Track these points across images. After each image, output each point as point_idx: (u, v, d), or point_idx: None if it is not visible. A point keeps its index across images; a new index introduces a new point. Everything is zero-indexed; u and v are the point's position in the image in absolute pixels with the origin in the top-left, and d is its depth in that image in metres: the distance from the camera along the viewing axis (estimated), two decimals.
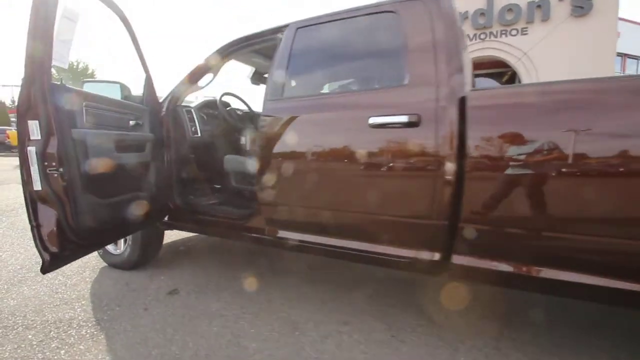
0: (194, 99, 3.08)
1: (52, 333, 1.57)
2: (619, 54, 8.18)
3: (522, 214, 1.18)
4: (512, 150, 1.17)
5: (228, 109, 2.75)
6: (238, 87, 2.95)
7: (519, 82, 8.14)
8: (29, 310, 1.76)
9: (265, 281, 2.14)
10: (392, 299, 1.90)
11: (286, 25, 1.80)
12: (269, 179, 1.70)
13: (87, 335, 1.56)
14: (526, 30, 7.93)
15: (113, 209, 1.70)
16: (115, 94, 2.09)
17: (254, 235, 1.87)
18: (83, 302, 1.86)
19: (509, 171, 1.18)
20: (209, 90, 2.36)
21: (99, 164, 1.57)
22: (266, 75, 2.75)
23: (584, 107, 1.12)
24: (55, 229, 1.40)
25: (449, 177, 1.26)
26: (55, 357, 1.41)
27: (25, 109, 1.38)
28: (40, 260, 1.48)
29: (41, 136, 1.35)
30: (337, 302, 1.89)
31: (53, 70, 1.49)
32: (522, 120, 1.18)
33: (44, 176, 1.37)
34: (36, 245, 1.43)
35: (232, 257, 2.63)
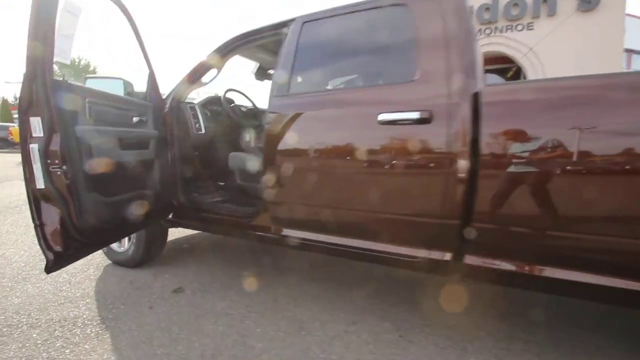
0: (195, 96, 3.06)
1: (56, 332, 1.56)
2: (625, 50, 8.06)
3: (539, 213, 1.15)
4: (528, 148, 1.14)
5: (232, 105, 2.72)
6: (242, 83, 2.92)
7: (524, 78, 8.04)
8: (34, 308, 1.75)
9: (270, 279, 2.12)
10: (397, 298, 1.88)
11: (292, 20, 1.76)
12: (276, 176, 1.67)
13: (92, 334, 1.55)
14: (532, 26, 7.82)
15: (117, 207, 1.68)
16: (118, 90, 2.07)
17: (259, 233, 1.85)
18: (88, 301, 1.84)
19: (524, 169, 1.15)
20: (212, 86, 2.34)
21: (102, 162, 1.55)
22: (270, 71, 2.72)
23: (608, 103, 1.08)
24: (59, 227, 1.38)
25: (461, 176, 1.22)
26: (60, 357, 1.40)
27: (27, 106, 1.35)
28: (44, 259, 1.46)
29: (44, 133, 1.33)
30: (342, 301, 1.87)
31: (55, 66, 1.46)
32: (539, 117, 1.14)
33: (47, 174, 1.35)
34: (40, 245, 1.41)
35: (236, 255, 2.62)
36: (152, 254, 2.28)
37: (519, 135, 1.16)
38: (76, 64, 27.90)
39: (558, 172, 1.11)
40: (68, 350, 1.44)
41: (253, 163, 2.11)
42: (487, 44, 8.21)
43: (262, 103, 2.94)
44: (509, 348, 1.46)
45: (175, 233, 2.90)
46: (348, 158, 1.47)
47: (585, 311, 1.75)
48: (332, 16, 1.64)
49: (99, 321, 1.65)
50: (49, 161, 1.35)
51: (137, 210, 1.76)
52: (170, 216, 2.17)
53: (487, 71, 8.79)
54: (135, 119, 1.86)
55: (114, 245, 2.26)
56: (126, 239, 2.22)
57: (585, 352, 1.43)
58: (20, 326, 1.59)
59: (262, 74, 2.71)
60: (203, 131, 2.35)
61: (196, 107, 2.40)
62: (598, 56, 7.00)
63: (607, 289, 1.08)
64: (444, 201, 1.28)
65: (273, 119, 1.67)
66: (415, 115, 1.29)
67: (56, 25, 1.35)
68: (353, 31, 1.63)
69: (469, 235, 1.26)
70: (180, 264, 2.38)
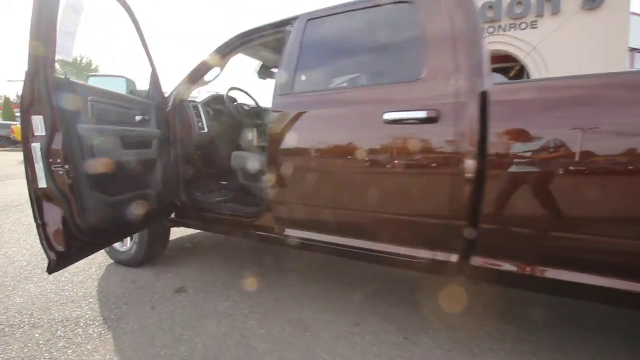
0: (196, 94, 3.04)
1: (59, 332, 1.55)
2: (629, 49, 8.00)
3: (548, 214, 1.13)
4: (537, 148, 1.11)
5: (235, 104, 2.70)
6: (244, 81, 2.90)
7: (527, 77, 7.99)
8: (36, 308, 1.74)
9: (272, 279, 2.11)
10: (398, 298, 1.86)
11: (295, 17, 1.74)
12: (279, 176, 1.65)
13: (95, 335, 1.54)
14: (535, 24, 7.77)
15: (120, 206, 1.67)
16: (121, 88, 2.05)
17: (262, 233, 1.83)
18: (90, 300, 1.84)
19: (533, 170, 1.13)
20: (214, 85, 2.32)
21: (105, 161, 1.53)
22: (273, 70, 2.70)
23: (622, 102, 1.05)
24: (61, 227, 1.37)
25: (468, 176, 1.20)
26: (63, 357, 1.39)
27: (28, 104, 1.34)
28: (46, 258, 1.45)
29: (46, 132, 1.31)
30: (344, 301, 1.85)
31: (56, 64, 1.45)
32: (549, 116, 1.12)
33: (49, 173, 1.33)
34: (42, 245, 1.39)
35: (238, 254, 2.61)
36: (154, 253, 2.27)
37: (528, 135, 1.13)
38: (78, 62, 27.91)
39: (568, 172, 1.09)
40: (70, 351, 1.43)
41: (256, 162, 2.10)
42: (490, 42, 8.15)
43: (265, 102, 2.94)
44: (515, 349, 1.44)
45: (177, 232, 2.89)
46: (352, 157, 1.45)
47: (586, 312, 1.73)
48: (336, 13, 1.62)
49: (101, 321, 1.64)
50: (50, 160, 1.33)
51: (139, 209, 1.75)
52: (172, 215, 2.16)
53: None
54: (137, 118, 1.85)
55: (116, 245, 2.25)
56: (128, 238, 2.21)
57: (588, 352, 1.42)
58: (22, 326, 1.59)
59: (264, 72, 2.69)
60: (205, 130, 2.34)
61: (199, 105, 2.38)
62: (602, 55, 6.96)
63: (625, 293, 1.06)
64: (451, 202, 1.26)
65: (277, 117, 1.66)
66: (421, 114, 1.27)
67: (58, 22, 1.34)
68: (358, 29, 1.61)
69: (475, 236, 1.24)
70: (183, 263, 2.37)
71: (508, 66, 8.95)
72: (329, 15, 1.63)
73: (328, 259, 2.08)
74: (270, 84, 2.73)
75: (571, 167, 1.08)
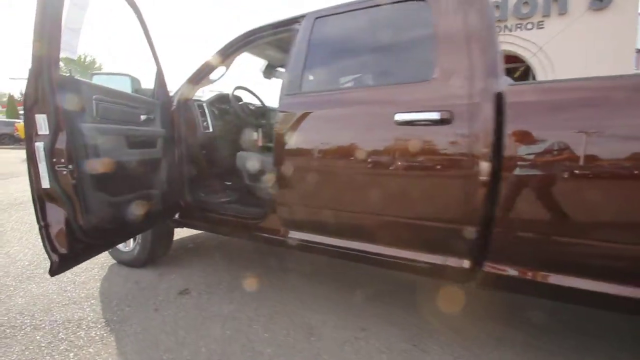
0: (200, 94, 3.00)
1: (60, 334, 1.52)
2: (637, 50, 7.91)
3: (567, 220, 1.09)
4: (555, 151, 1.08)
5: (240, 103, 2.67)
6: (250, 80, 2.87)
7: (533, 78, 7.93)
8: (37, 309, 1.72)
9: (276, 281, 2.08)
10: (405, 302, 1.83)
11: (303, 16, 1.70)
12: (286, 178, 1.62)
13: (97, 338, 1.51)
14: (542, 24, 7.70)
15: (124, 207, 1.64)
16: (125, 87, 2.02)
17: (268, 235, 1.80)
18: (92, 302, 1.81)
19: (550, 174, 1.09)
20: (218, 84, 2.29)
21: (109, 161, 1.50)
22: (279, 69, 2.66)
23: None
24: (64, 229, 1.34)
25: (483, 180, 1.16)
26: None
27: (32, 102, 1.31)
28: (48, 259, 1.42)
29: (49, 131, 1.28)
30: (350, 304, 1.82)
31: (60, 62, 1.42)
32: (569, 119, 1.08)
33: (53, 173, 1.30)
34: (44, 246, 1.36)
35: (242, 255, 2.57)
36: (157, 254, 2.25)
37: (546, 138, 1.09)
38: (82, 60, 27.99)
39: (585, 176, 1.06)
40: (72, 354, 1.40)
41: (262, 163, 2.07)
42: None
43: (270, 101, 2.91)
44: (528, 358, 1.40)
45: (180, 232, 2.87)
46: (362, 159, 1.41)
47: (586, 317, 1.70)
48: (345, 12, 1.58)
49: (103, 323, 1.62)
50: (54, 160, 1.30)
51: (144, 210, 1.72)
52: (176, 216, 2.14)
53: None
54: (142, 117, 1.82)
55: (119, 245, 2.22)
56: (131, 238, 2.18)
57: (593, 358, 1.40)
58: (23, 327, 1.56)
59: (270, 71, 2.66)
60: (210, 130, 2.31)
61: (204, 105, 2.35)
62: (610, 56, 6.88)
63: None
64: (464, 206, 1.22)
65: (284, 118, 1.62)
66: (434, 115, 1.23)
67: (63, 19, 1.31)
68: (367, 27, 1.57)
69: (489, 241, 1.20)
70: (186, 264, 2.34)
71: (513, 67, 8.88)
72: (338, 13, 1.59)
73: (332, 261, 2.05)
74: (275, 83, 2.71)
75: (589, 171, 1.05)
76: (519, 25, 7.97)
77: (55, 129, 1.30)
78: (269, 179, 1.79)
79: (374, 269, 1.61)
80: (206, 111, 2.33)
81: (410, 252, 1.37)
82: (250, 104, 2.79)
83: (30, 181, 1.36)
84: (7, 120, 18.56)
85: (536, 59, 7.79)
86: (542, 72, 7.70)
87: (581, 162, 1.05)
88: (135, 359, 1.38)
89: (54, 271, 1.38)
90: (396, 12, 1.47)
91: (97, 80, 2.07)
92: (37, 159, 1.30)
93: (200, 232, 2.92)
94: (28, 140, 1.33)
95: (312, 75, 1.65)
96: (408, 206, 1.36)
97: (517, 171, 1.13)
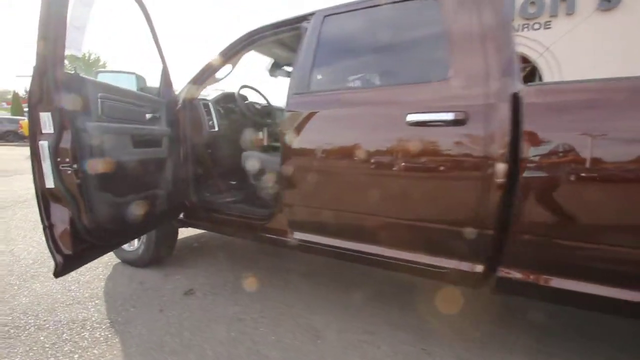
0: (206, 92, 2.98)
1: (65, 335, 1.51)
2: None
3: (587, 224, 1.06)
4: (575, 153, 1.04)
5: (246, 102, 2.65)
6: (255, 79, 2.85)
7: (540, 78, 7.85)
8: (41, 309, 1.70)
9: (282, 282, 2.06)
10: (412, 305, 1.80)
11: (312, 13, 1.67)
12: (293, 178, 1.60)
13: (101, 339, 1.49)
14: (549, 24, 7.62)
15: (129, 207, 1.61)
16: (131, 85, 2.00)
17: (274, 236, 1.77)
18: (97, 302, 1.79)
19: (569, 177, 1.05)
20: (222, 83, 2.26)
21: (114, 160, 1.48)
22: (285, 68, 2.63)
23: None
24: (68, 229, 1.32)
25: (499, 182, 1.13)
26: None
27: (36, 100, 1.28)
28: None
29: (54, 130, 1.26)
30: (356, 307, 1.80)
31: (65, 60, 1.39)
32: (590, 120, 1.04)
33: (57, 173, 1.28)
34: (49, 247, 1.34)
35: (247, 255, 2.55)
36: (162, 253, 2.23)
37: (564, 140, 1.06)
38: (86, 58, 28.08)
39: (605, 179, 1.02)
40: (77, 356, 1.38)
41: (268, 163, 2.04)
42: None
43: (276, 100, 2.88)
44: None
45: (184, 231, 2.85)
46: (370, 161, 1.38)
47: (588, 320, 1.68)
48: (355, 9, 1.55)
49: (108, 324, 1.60)
50: (59, 159, 1.28)
51: (149, 210, 1.70)
52: (181, 216, 2.11)
53: None
54: (148, 116, 1.80)
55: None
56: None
57: None
58: (28, 328, 1.54)
59: (276, 70, 2.62)
60: (216, 129, 2.28)
61: (209, 103, 2.33)
62: (618, 57, 6.80)
63: None
64: (478, 209, 1.19)
65: (291, 117, 1.59)
66: (449, 116, 1.20)
67: (68, 16, 1.28)
68: (378, 25, 1.54)
69: (504, 246, 1.17)
70: (191, 264, 2.32)
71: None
72: (348, 11, 1.56)
73: (337, 264, 2.03)
74: (281, 82, 2.69)
75: (606, 175, 1.02)
76: (525, 26, 7.90)
77: (59, 128, 1.28)
78: (275, 179, 1.77)
79: (372, 269, 1.61)
80: (212, 110, 2.30)
81: (423, 256, 1.34)
82: (256, 103, 2.76)
83: (35, 180, 1.34)
84: (11, 117, 18.66)
85: (543, 59, 7.72)
86: (549, 73, 7.63)
87: (601, 165, 1.02)
88: None
89: (58, 272, 1.36)
90: (408, 10, 1.43)
91: (102, 78, 2.05)
92: (42, 158, 1.28)
93: (204, 231, 2.90)
94: (32, 139, 1.31)
95: (321, 74, 1.61)
96: (420, 209, 1.33)
97: (535, 174, 1.09)
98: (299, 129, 1.56)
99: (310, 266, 2.29)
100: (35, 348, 1.41)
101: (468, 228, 1.22)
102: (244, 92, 2.61)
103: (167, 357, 1.39)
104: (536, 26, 7.78)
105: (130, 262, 2.24)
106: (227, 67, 2.08)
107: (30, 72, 1.29)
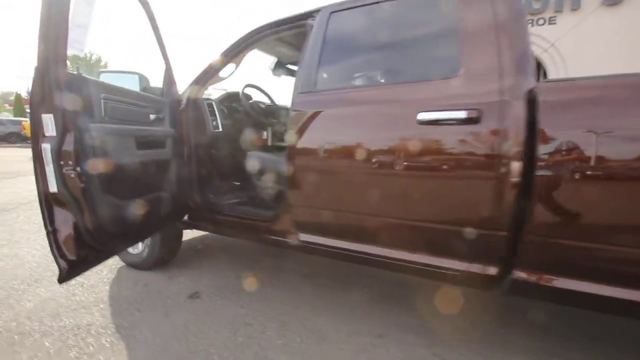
0: (210, 91, 2.95)
1: (70, 341, 1.48)
2: None
3: (606, 226, 1.02)
4: (593, 152, 1.00)
5: (250, 102, 2.61)
6: (259, 78, 2.81)
7: (544, 74, 7.78)
8: (46, 314, 1.68)
9: (287, 284, 2.04)
10: (422, 306, 1.76)
11: (317, 10, 1.64)
12: (300, 179, 1.56)
13: (107, 344, 1.47)
14: (554, 20, 7.55)
15: (133, 210, 1.58)
16: (134, 86, 1.97)
17: (279, 238, 1.74)
18: (102, 306, 1.77)
19: (588, 176, 1.02)
20: (225, 83, 2.23)
21: (119, 163, 1.45)
22: (289, 66, 2.60)
23: None
24: (72, 234, 1.29)
25: (514, 182, 1.09)
26: None
27: (38, 101, 1.25)
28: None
29: (56, 132, 1.23)
30: (365, 309, 1.77)
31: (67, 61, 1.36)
32: (610, 118, 1.00)
33: (60, 176, 1.25)
34: (52, 252, 1.31)
35: (251, 257, 2.53)
36: (166, 256, 2.20)
37: (583, 138, 1.02)
38: (88, 58, 28.10)
39: (628, 178, 0.99)
40: None
41: (273, 163, 2.01)
42: None
43: (280, 99, 2.84)
44: None
45: (188, 233, 2.82)
46: (381, 161, 1.35)
47: (590, 321, 1.66)
48: (362, 5, 1.51)
49: (113, 329, 1.57)
50: (62, 162, 1.25)
51: (153, 213, 1.67)
52: (185, 218, 2.09)
53: None
54: (151, 117, 1.77)
55: None
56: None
57: None
58: (32, 334, 1.52)
59: (280, 69, 2.59)
60: (220, 129, 2.25)
61: (213, 103, 2.29)
62: (624, 52, 6.72)
63: None
64: (491, 210, 1.15)
65: (297, 117, 1.56)
66: (461, 114, 1.16)
67: (70, 14, 1.25)
68: (386, 21, 1.50)
69: (520, 247, 1.13)
70: (195, 266, 2.30)
71: None
72: (355, 7, 1.52)
73: (343, 265, 2.00)
74: (285, 81, 2.65)
75: (624, 173, 0.99)
76: (530, 21, 7.81)
77: (62, 130, 1.24)
78: (280, 180, 1.74)
79: (373, 269, 1.59)
80: (215, 110, 2.27)
81: (434, 258, 1.30)
82: (260, 102, 2.72)
83: (37, 184, 1.31)
84: (14, 118, 18.73)
85: (547, 55, 7.64)
86: (554, 69, 7.55)
87: (621, 163, 0.98)
88: None
89: (62, 278, 1.33)
90: (418, 4, 1.40)
91: (104, 78, 2.01)
92: (44, 162, 1.25)
93: (208, 233, 2.88)
94: (34, 141, 1.28)
95: (328, 72, 1.58)
96: (430, 210, 1.29)
97: (551, 173, 1.06)
98: (305, 129, 1.53)
99: (312, 267, 2.27)
100: (40, 354, 1.39)
101: (481, 229, 1.19)
102: (248, 91, 2.57)
103: None
104: (541, 22, 7.71)
105: (134, 264, 2.21)
106: (231, 66, 2.04)
107: (32, 73, 1.26)
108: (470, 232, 1.21)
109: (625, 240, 1.02)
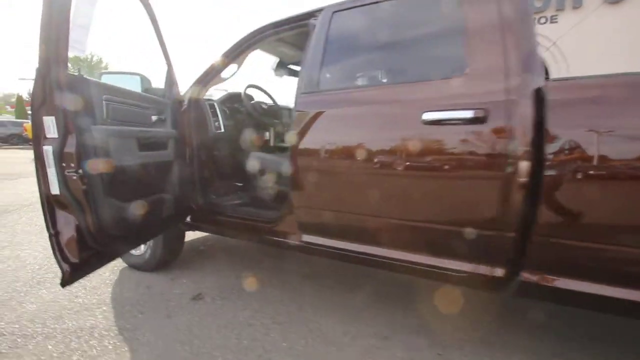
0: (211, 92, 2.94)
1: (73, 343, 1.47)
2: None
3: (617, 228, 1.01)
4: (603, 152, 0.99)
5: (252, 102, 2.60)
6: (261, 78, 2.80)
7: (546, 73, 7.73)
8: (49, 316, 1.67)
9: (291, 285, 2.03)
10: (427, 308, 1.74)
11: (320, 10, 1.62)
12: (303, 180, 1.55)
13: (110, 347, 1.46)
14: (556, 18, 7.52)
15: (136, 212, 1.57)
16: (136, 87, 1.96)
17: (282, 239, 1.73)
18: (104, 308, 1.76)
19: (596, 176, 1.01)
20: (226, 84, 2.22)
21: (121, 164, 1.44)
22: (291, 67, 2.59)
23: None
24: (75, 237, 1.28)
25: (521, 182, 1.08)
26: None
27: (40, 103, 1.24)
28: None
29: (58, 134, 1.22)
30: (370, 311, 1.75)
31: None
32: (622, 117, 0.99)
33: (62, 179, 1.24)
34: (55, 256, 1.30)
35: (253, 257, 2.52)
36: (169, 257, 2.19)
37: (592, 137, 1.01)
38: (89, 60, 28.15)
39: (630, 177, 0.98)
40: None
41: (275, 164, 2.00)
42: None
43: (282, 100, 2.83)
44: None
45: (190, 234, 2.81)
46: (384, 161, 1.33)
47: (591, 321, 1.65)
48: (365, 4, 1.50)
49: (116, 332, 1.56)
50: (64, 165, 1.24)
51: (156, 214, 1.66)
52: (188, 219, 2.08)
53: None
54: (153, 118, 1.75)
55: None
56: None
57: None
58: (35, 337, 1.51)
59: (282, 69, 2.57)
60: (222, 130, 2.24)
61: (215, 104, 2.28)
62: (626, 51, 6.68)
63: None
64: (499, 211, 1.14)
65: (300, 118, 1.54)
66: (467, 114, 1.15)
67: (71, 14, 1.24)
68: (390, 20, 1.49)
69: (528, 249, 1.12)
70: (198, 267, 2.29)
71: None
72: (358, 6, 1.51)
73: (348, 265, 1.98)
74: (287, 81, 2.64)
75: (631, 172, 0.97)
76: None
77: (64, 132, 1.23)
78: (283, 180, 1.72)
79: (373, 270, 1.58)
80: (217, 111, 2.26)
81: (441, 260, 1.29)
82: (262, 102, 2.71)
83: (39, 187, 1.30)
84: (15, 120, 18.78)
85: (549, 53, 7.60)
86: (555, 67, 7.51)
87: (632, 163, 0.96)
88: None
89: (65, 281, 1.32)
90: (422, 3, 1.38)
91: (106, 79, 2.00)
92: (46, 164, 1.24)
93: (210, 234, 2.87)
94: (36, 143, 1.27)
95: (331, 72, 1.56)
96: (436, 211, 1.28)
97: (559, 172, 1.04)
98: (308, 129, 1.52)
99: (313, 267, 2.26)
100: (43, 357, 1.38)
101: (488, 230, 1.17)
102: (249, 91, 2.56)
103: None
104: (542, 20, 7.67)
105: (137, 266, 2.21)
106: (233, 67, 2.03)
107: (33, 74, 1.25)
108: (477, 233, 1.20)
109: (634, 240, 1.01)
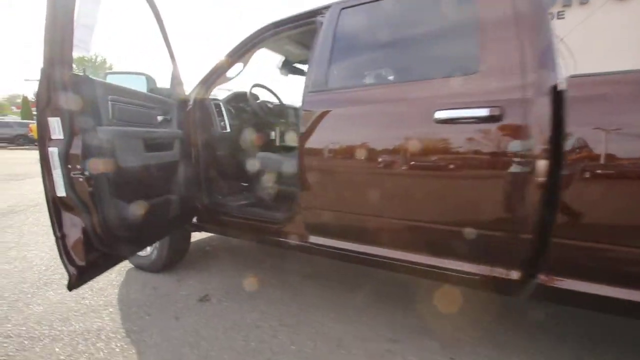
0: (216, 91, 2.92)
1: (80, 346, 1.46)
2: None
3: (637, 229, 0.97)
4: (625, 152, 0.95)
5: (258, 101, 2.58)
6: (266, 78, 2.77)
7: None
8: (56, 318, 1.66)
9: (299, 287, 2.00)
10: (438, 310, 1.71)
11: (327, 7, 1.59)
12: (311, 180, 1.52)
13: (117, 349, 1.44)
14: (563, 14, 7.43)
15: (143, 214, 1.55)
16: (141, 87, 1.94)
17: (290, 241, 1.71)
18: (111, 310, 1.75)
19: (617, 176, 0.97)
20: (231, 83, 2.20)
21: (128, 166, 1.42)
22: (297, 65, 2.56)
23: None
24: (82, 239, 1.26)
25: (539, 183, 1.05)
26: None
27: (45, 104, 1.22)
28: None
29: (64, 135, 1.20)
30: (380, 313, 1.73)
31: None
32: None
33: (68, 181, 1.22)
34: (61, 259, 1.29)
35: (259, 258, 2.49)
36: (175, 258, 2.18)
37: (613, 135, 0.97)
38: (93, 60, 28.29)
39: None
40: None
41: (282, 164, 1.97)
42: None
43: (288, 99, 2.81)
44: None
45: (196, 234, 2.80)
46: (395, 161, 1.30)
47: (591, 321, 1.63)
48: (374, 0, 1.47)
49: (123, 334, 1.55)
50: (69, 166, 1.22)
51: (162, 216, 1.64)
52: (194, 220, 2.06)
53: None
54: (159, 118, 1.73)
55: None
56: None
57: None
58: (42, 339, 1.50)
59: (287, 68, 2.55)
60: (228, 130, 2.22)
61: (221, 103, 2.26)
62: (633, 47, 6.59)
63: None
64: (515, 212, 1.11)
65: (308, 117, 1.52)
66: (482, 112, 1.11)
67: (75, 13, 1.22)
68: (400, 17, 1.45)
69: (545, 251, 1.09)
70: (204, 268, 2.27)
71: None
72: (366, 2, 1.48)
73: (332, 262, 1.96)
74: (293, 80, 2.61)
75: None
76: None
77: (70, 133, 1.21)
78: (289, 181, 1.70)
79: (374, 270, 1.56)
80: (223, 110, 2.24)
81: (453, 262, 1.26)
82: (268, 102, 2.69)
83: (45, 189, 1.28)
84: (21, 121, 18.94)
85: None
86: (562, 63, 7.42)
87: None
88: None
89: (72, 284, 1.31)
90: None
91: (111, 79, 1.98)
92: (52, 166, 1.22)
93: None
94: (41, 145, 1.25)
95: (339, 70, 1.53)
96: (449, 212, 1.25)
97: (578, 172, 1.01)
98: (316, 129, 1.49)
99: (316, 267, 2.25)
100: None
101: (503, 232, 1.14)
102: (255, 91, 2.54)
103: None
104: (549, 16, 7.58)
105: (143, 267, 2.19)
106: (238, 66, 2.01)
107: (38, 75, 1.24)
108: (492, 235, 1.17)
109: None
